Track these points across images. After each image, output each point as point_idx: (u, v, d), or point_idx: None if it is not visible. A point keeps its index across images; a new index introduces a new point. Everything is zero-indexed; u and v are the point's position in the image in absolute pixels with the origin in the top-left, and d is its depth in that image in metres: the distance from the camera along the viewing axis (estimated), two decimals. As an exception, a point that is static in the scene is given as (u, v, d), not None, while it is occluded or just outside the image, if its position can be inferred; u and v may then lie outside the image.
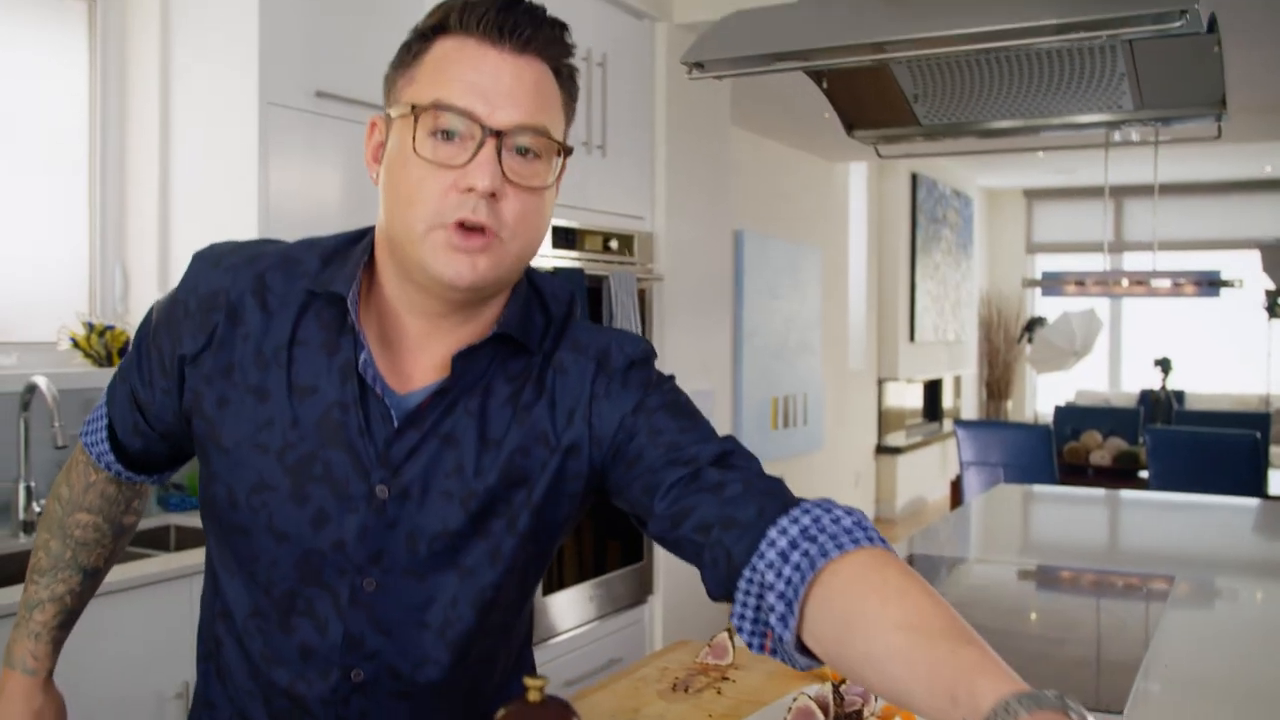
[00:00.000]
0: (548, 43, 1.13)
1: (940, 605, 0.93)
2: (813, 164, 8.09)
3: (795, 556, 1.00)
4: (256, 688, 1.21)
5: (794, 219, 7.77)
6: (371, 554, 1.15)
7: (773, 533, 1.03)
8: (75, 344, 3.04)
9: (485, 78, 1.09)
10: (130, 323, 3.15)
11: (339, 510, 1.14)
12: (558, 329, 1.22)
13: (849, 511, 1.04)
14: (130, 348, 1.28)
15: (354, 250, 1.21)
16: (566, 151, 1.16)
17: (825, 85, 2.29)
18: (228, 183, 3.02)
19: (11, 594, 2.26)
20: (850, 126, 2.51)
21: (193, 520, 3.00)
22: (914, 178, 9.43)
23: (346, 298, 1.14)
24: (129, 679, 2.40)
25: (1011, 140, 2.53)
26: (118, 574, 2.41)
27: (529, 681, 0.84)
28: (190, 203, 3.10)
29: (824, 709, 1.29)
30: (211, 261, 1.21)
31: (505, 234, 1.10)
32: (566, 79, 1.17)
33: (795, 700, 1.29)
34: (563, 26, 1.16)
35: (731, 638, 1.74)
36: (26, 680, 1.34)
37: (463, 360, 1.14)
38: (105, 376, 3.01)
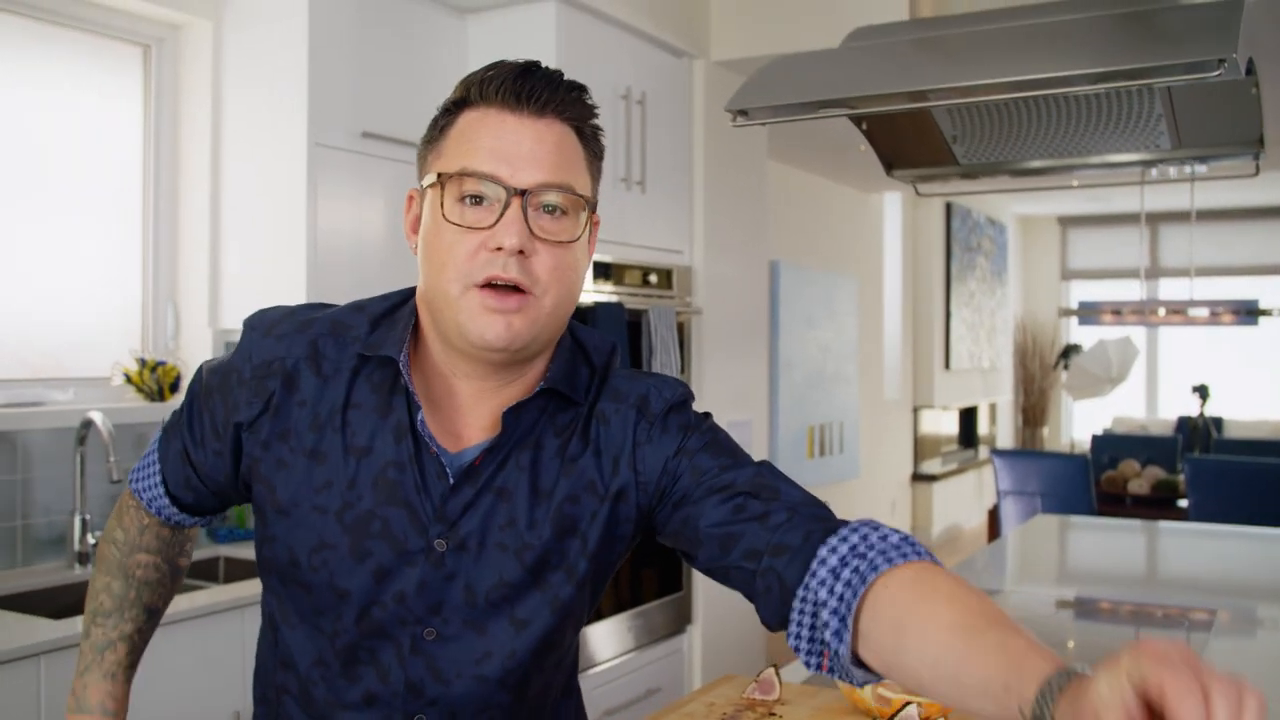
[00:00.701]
0: (566, 105, 1.17)
1: (988, 603, 0.97)
2: (848, 195, 8.13)
3: (846, 574, 1.04)
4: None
5: (830, 249, 7.81)
6: (431, 605, 1.18)
7: (823, 551, 1.06)
8: (128, 379, 3.11)
9: (507, 142, 1.14)
10: (182, 359, 3.22)
11: (398, 565, 1.18)
12: (599, 379, 1.26)
13: (895, 530, 1.08)
14: (181, 407, 1.32)
15: (400, 313, 1.25)
16: (593, 207, 1.20)
17: (865, 127, 2.33)
18: (277, 222, 3.09)
19: (67, 626, 2.31)
20: (889, 166, 2.54)
21: (241, 552, 3.06)
22: (948, 206, 9.44)
23: (398, 360, 1.18)
24: (180, 710, 2.45)
25: (1048, 179, 2.56)
26: (170, 606, 2.47)
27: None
28: (240, 242, 3.18)
29: (873, 747, 1.32)
30: (264, 330, 1.24)
31: (538, 290, 1.14)
32: (590, 139, 1.21)
33: (845, 738, 1.32)
34: (581, 89, 1.19)
35: (778, 674, 1.77)
36: None
37: (512, 415, 1.19)
38: (157, 411, 3.07)
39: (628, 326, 3.69)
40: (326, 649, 1.21)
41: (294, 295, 3.05)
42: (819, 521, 1.12)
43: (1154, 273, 10.99)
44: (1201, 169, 2.49)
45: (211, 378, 1.27)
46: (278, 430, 1.21)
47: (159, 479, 1.33)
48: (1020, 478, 6.03)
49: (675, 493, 1.20)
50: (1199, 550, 3.53)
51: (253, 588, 2.64)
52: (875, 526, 1.08)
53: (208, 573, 3.03)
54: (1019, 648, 0.89)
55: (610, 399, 1.25)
